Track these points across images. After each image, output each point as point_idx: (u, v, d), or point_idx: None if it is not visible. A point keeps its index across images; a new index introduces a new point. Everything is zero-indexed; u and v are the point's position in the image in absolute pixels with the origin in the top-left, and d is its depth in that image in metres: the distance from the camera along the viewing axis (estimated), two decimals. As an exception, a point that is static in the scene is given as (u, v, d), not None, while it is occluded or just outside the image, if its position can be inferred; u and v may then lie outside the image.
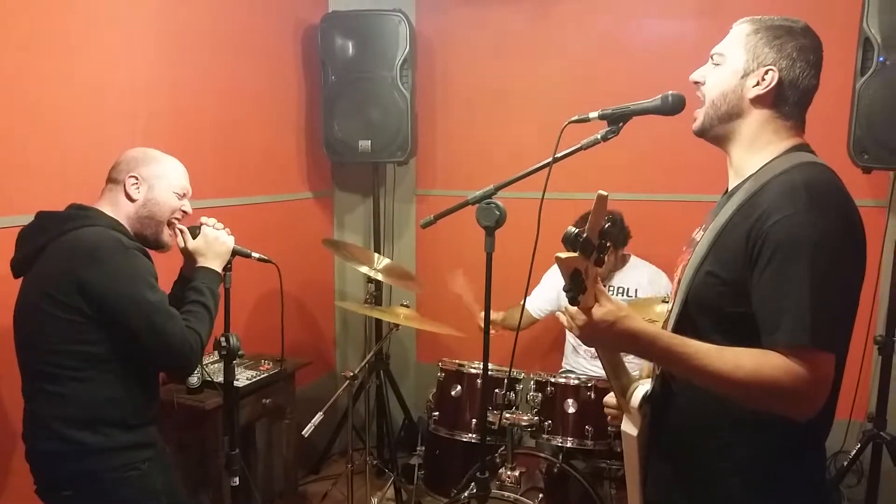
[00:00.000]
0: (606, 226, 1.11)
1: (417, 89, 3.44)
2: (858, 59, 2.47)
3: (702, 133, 1.37)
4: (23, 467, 1.76)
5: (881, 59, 2.43)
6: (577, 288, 1.12)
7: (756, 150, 1.32)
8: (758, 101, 1.30)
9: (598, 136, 1.50)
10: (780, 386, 1.13)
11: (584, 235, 1.08)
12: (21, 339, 1.73)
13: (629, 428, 1.37)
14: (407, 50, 3.27)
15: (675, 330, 1.28)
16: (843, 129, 2.53)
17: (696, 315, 1.29)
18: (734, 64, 1.31)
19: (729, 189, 1.38)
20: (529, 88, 3.52)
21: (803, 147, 1.32)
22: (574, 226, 1.12)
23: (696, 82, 1.37)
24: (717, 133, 1.35)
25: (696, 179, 3.15)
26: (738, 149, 1.34)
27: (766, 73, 1.29)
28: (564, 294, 1.16)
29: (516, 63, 3.54)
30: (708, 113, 1.34)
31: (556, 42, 3.46)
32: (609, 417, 1.55)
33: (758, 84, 1.29)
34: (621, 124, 1.48)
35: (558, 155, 1.54)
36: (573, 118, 1.51)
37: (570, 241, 1.10)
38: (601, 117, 1.49)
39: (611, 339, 1.20)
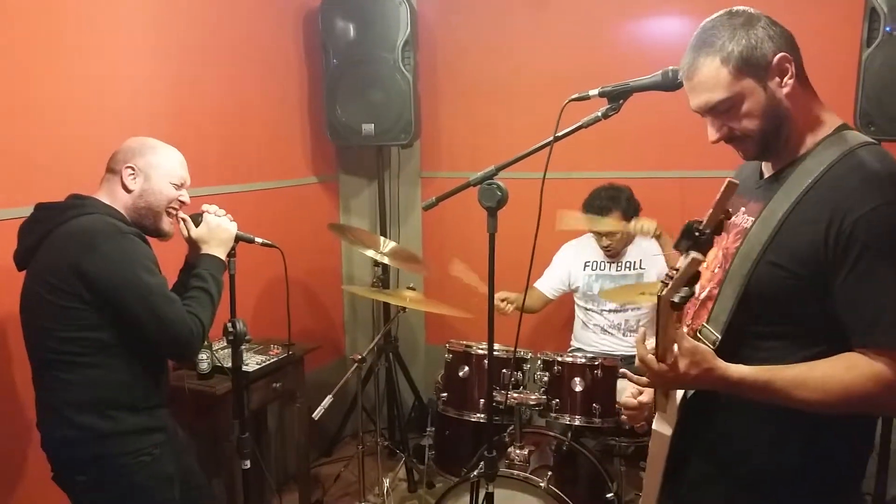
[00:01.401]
0: (722, 217, 1.05)
1: (420, 71, 3.43)
2: (864, 30, 2.42)
3: (759, 157, 1.30)
4: (40, 455, 1.79)
5: (888, 28, 2.38)
6: (692, 288, 1.08)
7: (807, 133, 1.25)
8: (794, 93, 1.22)
9: (599, 114, 1.49)
10: (872, 398, 1.11)
11: (708, 231, 1.03)
12: (27, 329, 1.75)
13: (663, 427, 1.33)
14: (408, 32, 3.25)
15: (731, 321, 1.23)
16: (849, 101, 2.50)
17: (757, 306, 1.22)
18: (748, 90, 1.21)
19: (767, 171, 1.31)
20: (532, 68, 3.49)
21: (848, 126, 1.25)
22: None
23: (724, 139, 1.28)
24: (775, 148, 1.27)
25: (699, 156, 3.14)
26: (796, 138, 1.26)
27: (777, 63, 1.20)
28: (665, 281, 1.10)
29: (518, 43, 3.52)
30: (762, 140, 1.25)
31: (558, 22, 3.43)
32: (626, 418, 1.53)
33: (782, 79, 1.21)
34: (621, 101, 1.47)
35: (559, 133, 1.53)
36: (574, 96, 1.50)
37: (690, 238, 1.05)
38: (601, 94, 1.48)
39: (691, 385, 1.20)
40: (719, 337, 1.25)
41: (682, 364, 1.15)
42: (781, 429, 1.24)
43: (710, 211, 1.05)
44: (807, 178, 1.19)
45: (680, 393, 1.32)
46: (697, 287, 1.33)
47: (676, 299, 1.09)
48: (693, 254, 1.06)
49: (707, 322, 1.28)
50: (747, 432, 1.28)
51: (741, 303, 1.23)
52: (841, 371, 1.13)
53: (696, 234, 1.06)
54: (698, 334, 1.30)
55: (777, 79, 1.21)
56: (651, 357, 1.19)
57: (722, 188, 1.04)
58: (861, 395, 1.11)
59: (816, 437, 1.22)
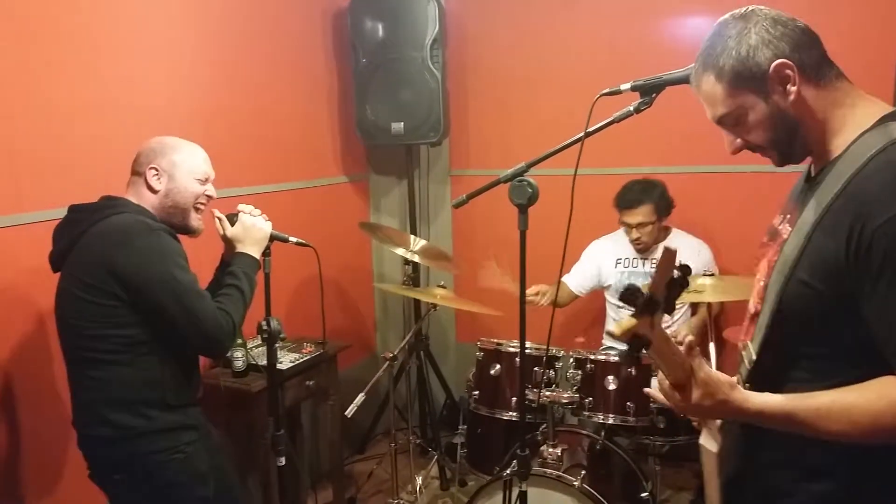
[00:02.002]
0: (675, 276, 1.01)
1: (448, 69, 3.42)
2: (906, 16, 2.37)
3: (787, 163, 1.22)
4: (78, 453, 1.83)
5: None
6: (637, 348, 1.03)
7: (835, 132, 1.15)
8: (800, 100, 1.13)
9: (631, 108, 1.46)
10: None
11: (647, 294, 1.00)
12: (61, 328, 1.78)
13: (709, 444, 1.29)
14: (437, 30, 3.25)
15: (766, 340, 1.17)
16: (888, 94, 2.44)
17: (790, 326, 1.15)
18: (748, 104, 1.15)
19: (812, 173, 1.22)
20: (561, 64, 3.47)
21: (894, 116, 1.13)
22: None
23: (741, 149, 1.23)
24: (798, 155, 1.20)
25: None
26: (818, 141, 1.17)
27: (774, 71, 1.11)
28: (621, 300, 1.05)
29: (547, 39, 3.49)
30: (778, 150, 1.19)
31: (587, 16, 3.40)
32: (696, 424, 1.45)
33: (784, 87, 1.13)
34: (654, 95, 1.44)
35: (590, 129, 1.51)
36: (605, 91, 1.48)
37: (629, 300, 1.01)
38: (633, 89, 1.45)
39: (709, 415, 1.17)
40: (754, 357, 1.19)
41: (696, 395, 1.10)
42: (819, 455, 1.15)
43: (653, 276, 1.01)
44: (838, 183, 1.09)
45: None
46: (751, 300, 1.29)
47: (625, 355, 1.06)
48: (613, 329, 1.05)
49: (751, 340, 1.23)
50: (783, 457, 1.21)
51: (774, 322, 1.16)
52: (870, 400, 1.03)
53: (638, 295, 1.00)
54: (742, 352, 1.26)
55: (779, 87, 1.13)
56: (666, 384, 1.13)
57: (661, 255, 1.00)
58: (892, 426, 1.02)
59: (859, 463, 1.12)
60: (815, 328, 1.12)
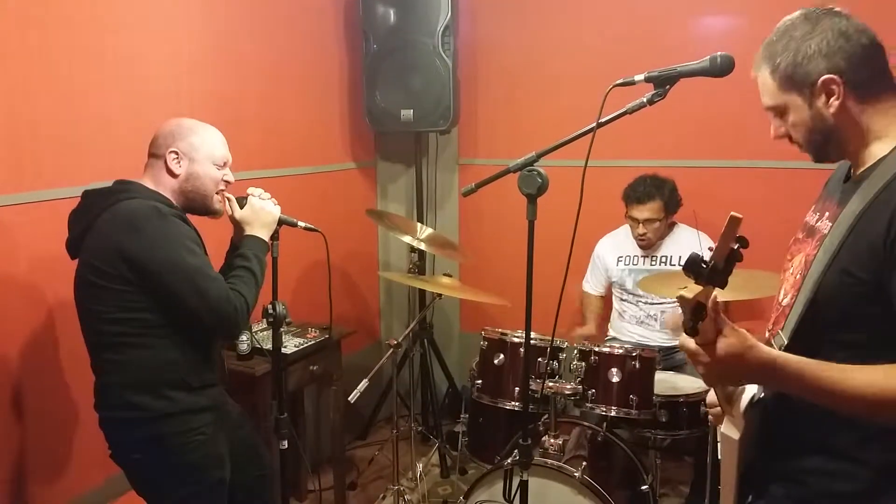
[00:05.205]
0: (735, 247, 1.02)
1: (459, 57, 3.40)
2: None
3: (821, 162, 1.28)
4: (86, 435, 1.84)
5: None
6: (697, 319, 1.04)
7: (875, 140, 1.19)
8: (842, 111, 1.18)
9: (644, 100, 1.46)
10: None
11: (712, 264, 1.01)
12: (80, 313, 1.80)
13: (731, 431, 1.30)
14: (448, 16, 3.23)
15: (798, 328, 1.20)
16: None
17: (825, 314, 1.18)
18: (792, 104, 1.21)
19: (854, 174, 1.26)
20: (573, 53, 3.44)
21: None
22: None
23: (782, 137, 1.28)
24: (833, 156, 1.26)
25: (749, 146, 3.06)
26: (856, 148, 1.22)
27: (821, 85, 1.17)
28: (683, 324, 1.06)
29: (559, 28, 3.47)
30: (812, 150, 1.26)
31: (600, 6, 3.37)
32: (712, 418, 1.46)
33: (828, 99, 1.18)
34: (668, 87, 1.44)
35: (602, 120, 1.51)
36: (618, 81, 1.47)
37: (693, 270, 1.02)
38: (647, 80, 1.45)
39: (736, 374, 1.16)
40: (785, 342, 1.21)
41: (723, 346, 1.10)
42: (844, 439, 1.18)
43: (717, 243, 1.01)
44: (884, 178, 1.14)
45: (746, 397, 1.28)
46: (781, 293, 1.30)
47: (689, 325, 1.07)
48: (681, 290, 1.03)
49: (781, 329, 1.25)
50: (807, 440, 1.23)
51: (808, 310, 1.19)
52: (891, 372, 1.07)
53: (703, 265, 1.02)
54: (772, 340, 1.27)
55: (823, 97, 1.18)
56: (691, 343, 1.14)
57: (726, 221, 1.00)
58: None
59: (884, 447, 1.15)
60: (851, 316, 1.16)
